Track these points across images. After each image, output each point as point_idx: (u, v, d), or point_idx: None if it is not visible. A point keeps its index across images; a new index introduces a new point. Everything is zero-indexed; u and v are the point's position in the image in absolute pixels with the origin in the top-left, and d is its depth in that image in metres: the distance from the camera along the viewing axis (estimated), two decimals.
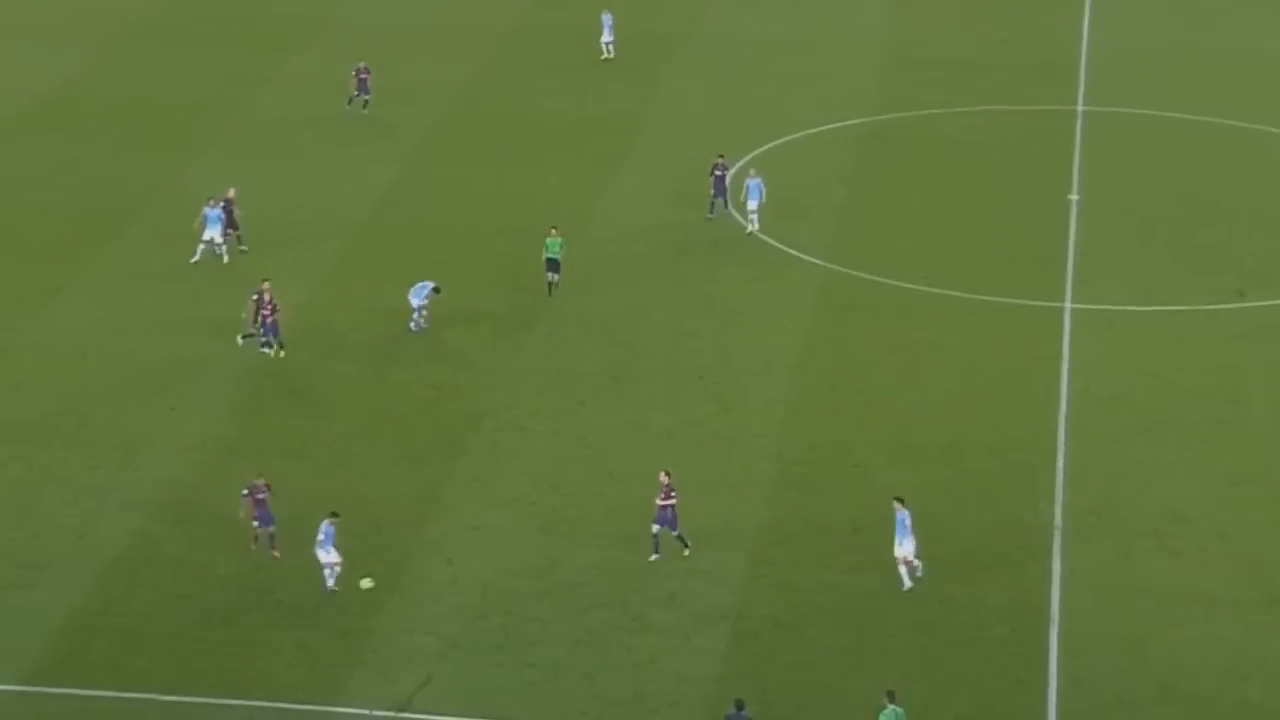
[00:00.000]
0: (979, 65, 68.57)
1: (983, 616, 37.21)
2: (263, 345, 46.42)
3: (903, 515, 37.64)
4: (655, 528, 38.59)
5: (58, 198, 56.57)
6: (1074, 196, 57.61)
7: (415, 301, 48.03)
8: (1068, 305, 50.31)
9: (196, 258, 51.65)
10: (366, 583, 37.08)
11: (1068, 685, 35.20)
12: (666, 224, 55.23)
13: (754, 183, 54.00)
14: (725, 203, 54.87)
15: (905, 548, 37.60)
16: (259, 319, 46.36)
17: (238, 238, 52.58)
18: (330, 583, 37.45)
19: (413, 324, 48.13)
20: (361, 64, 62.97)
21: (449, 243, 53.41)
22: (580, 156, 60.01)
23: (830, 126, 62.71)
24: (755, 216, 53.78)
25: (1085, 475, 42.12)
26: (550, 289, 49.49)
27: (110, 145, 60.51)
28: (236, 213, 52.53)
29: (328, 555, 37.50)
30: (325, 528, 37.64)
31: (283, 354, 46.28)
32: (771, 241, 53.87)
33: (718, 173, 54.79)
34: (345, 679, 35.11)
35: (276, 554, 38.49)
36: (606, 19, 68.84)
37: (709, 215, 54.71)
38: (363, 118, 62.26)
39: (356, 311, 49.55)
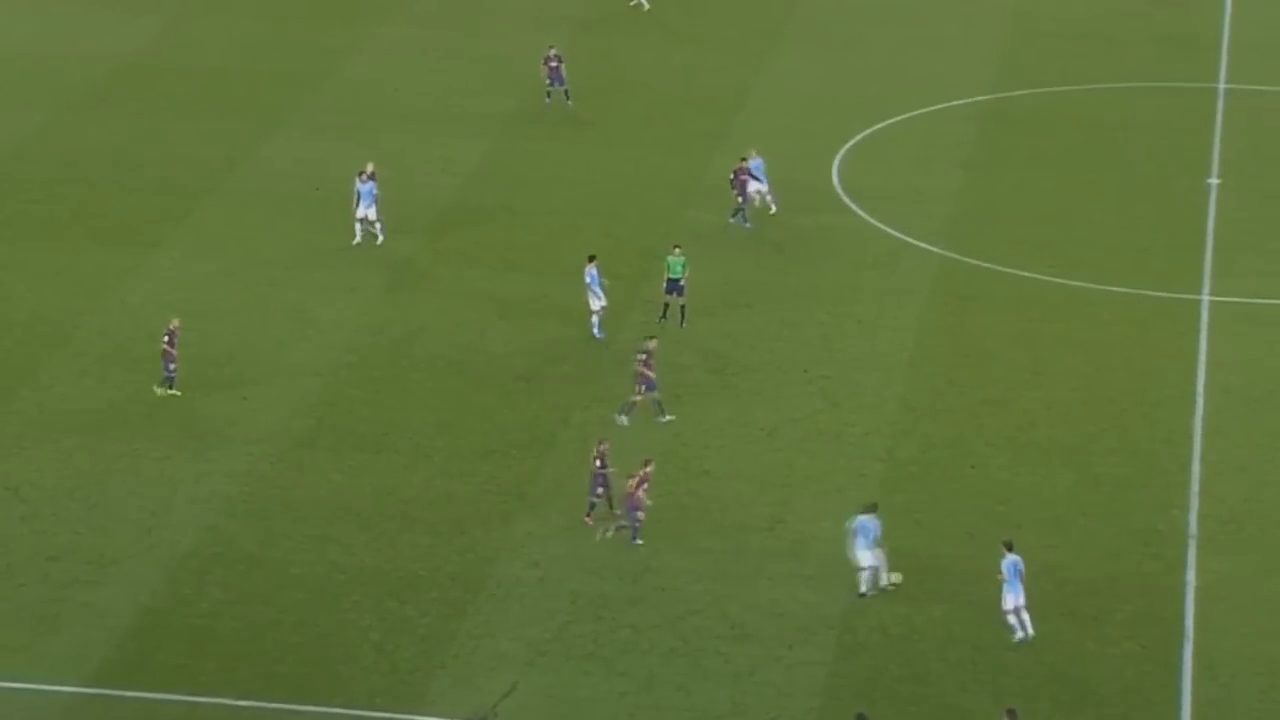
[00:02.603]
0: (1112, 39, 67.90)
1: (1111, 631, 36.84)
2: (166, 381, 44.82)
3: (1013, 561, 36.23)
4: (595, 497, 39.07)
5: (129, 173, 57.34)
6: (1214, 180, 56.89)
7: (596, 303, 46.90)
8: (1205, 298, 49.71)
9: (357, 239, 51.74)
10: (895, 578, 37.00)
11: (1202, 706, 34.78)
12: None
13: (755, 163, 53.15)
14: (744, 208, 52.97)
15: (1016, 597, 35.93)
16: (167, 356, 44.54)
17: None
18: (863, 588, 37.19)
19: (596, 330, 46.98)
20: (551, 50, 60.92)
21: (540, 225, 53.59)
22: (677, 134, 60.03)
23: (949, 104, 62.34)
24: (770, 197, 53.08)
25: (1223, 481, 41.59)
26: (667, 312, 47.20)
27: (185, 118, 61.21)
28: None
29: (865, 558, 37.13)
30: (862, 523, 37.29)
31: (174, 391, 44.72)
32: (885, 227, 53.65)
33: (743, 176, 52.74)
34: (425, 685, 35.33)
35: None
36: None
37: (731, 220, 52.93)
38: (567, 111, 60.72)
39: (441, 297, 49.86)
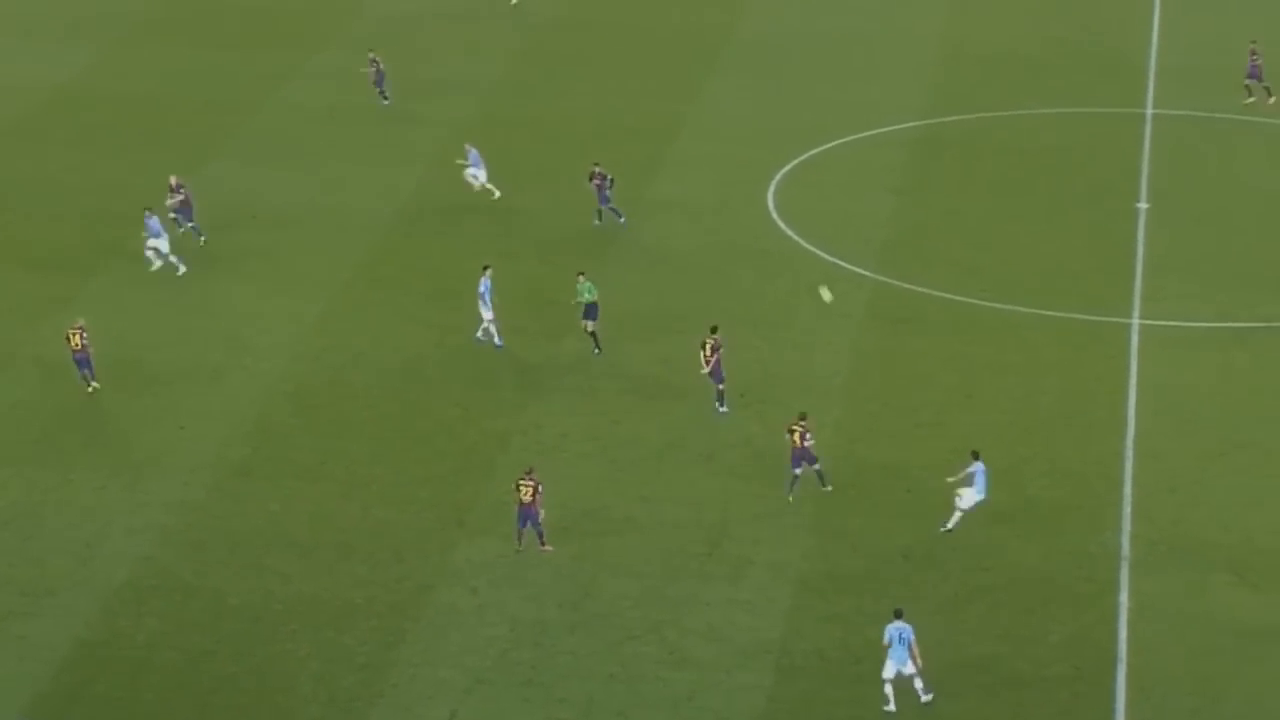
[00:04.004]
0: (1041, 64, 68.50)
1: (1045, 653, 37.04)
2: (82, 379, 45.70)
3: (979, 467, 39.72)
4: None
5: (62, 203, 56.96)
6: (1143, 205, 57.42)
7: (487, 314, 47.64)
8: (1135, 321, 50.13)
9: (154, 266, 51.78)
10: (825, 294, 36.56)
11: None
12: (705, 231, 55.32)
13: (473, 154, 55.83)
14: (601, 212, 54.59)
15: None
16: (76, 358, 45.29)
17: (194, 229, 53.39)
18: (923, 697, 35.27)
19: (481, 333, 47.96)
20: (371, 54, 63.96)
21: (473, 252, 53.54)
22: (612, 162, 60.08)
23: (881, 130, 62.71)
24: (484, 182, 55.92)
25: (1155, 503, 41.92)
26: (592, 339, 47.66)
27: (117, 148, 60.91)
28: (179, 199, 52.99)
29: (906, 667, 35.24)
30: (895, 630, 35.16)
31: (96, 386, 45.64)
32: (819, 252, 53.88)
33: (596, 181, 54.22)
34: (365, 715, 35.17)
35: None
36: None
37: (595, 223, 54.67)
38: (384, 111, 62.36)
39: (377, 323, 49.74)
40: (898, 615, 35.68)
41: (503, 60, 69.00)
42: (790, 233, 55.21)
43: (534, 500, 39.37)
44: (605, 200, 54.89)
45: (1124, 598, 38.70)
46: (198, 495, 42.02)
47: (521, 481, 39.64)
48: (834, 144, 61.40)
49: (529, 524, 39.75)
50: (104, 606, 38.15)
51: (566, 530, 40.75)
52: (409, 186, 58.31)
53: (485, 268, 48.22)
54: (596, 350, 47.85)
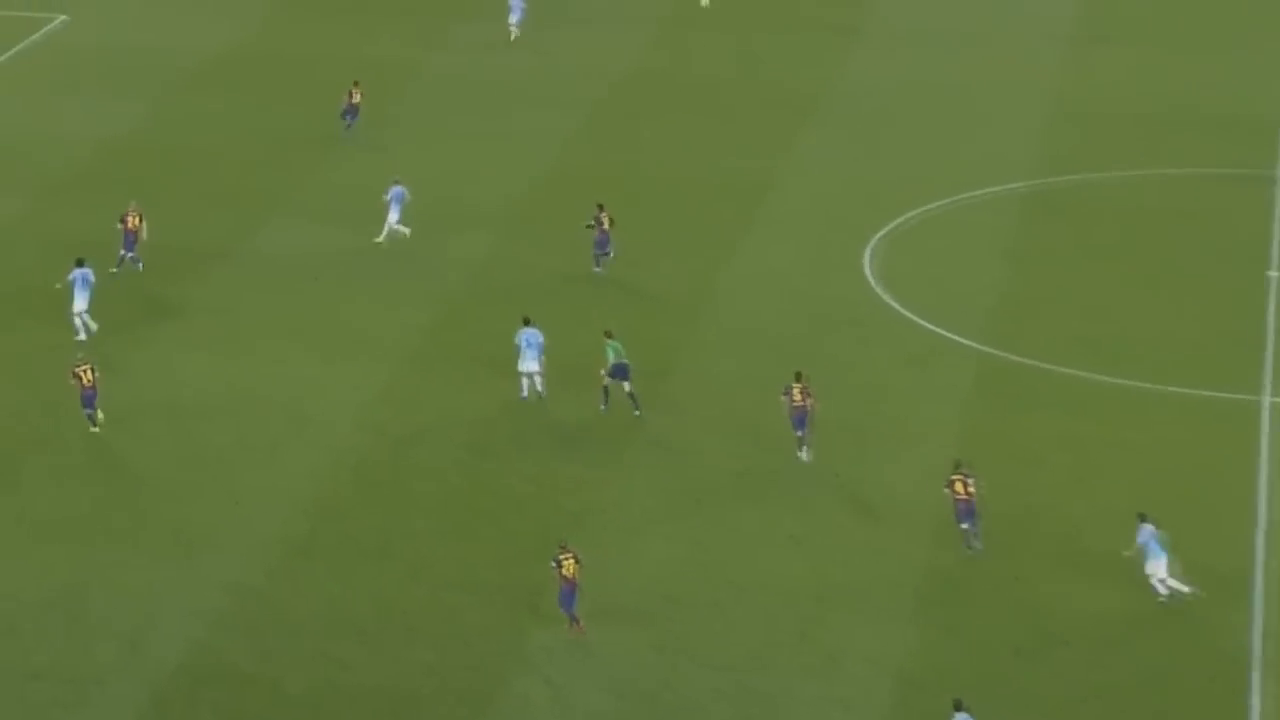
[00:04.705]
0: (1161, 121, 68.57)
1: None
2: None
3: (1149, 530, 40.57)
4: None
5: (111, 263, 57.76)
6: (1274, 273, 57.30)
7: (527, 366, 48.61)
8: (1267, 399, 49.98)
9: (80, 336, 52.40)
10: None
11: None
12: (799, 297, 55.67)
13: (396, 190, 57.68)
14: (600, 258, 56.23)
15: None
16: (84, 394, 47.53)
17: (133, 258, 55.55)
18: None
19: (524, 391, 48.77)
20: (354, 83, 66.18)
21: (550, 317, 53.92)
22: (700, 221, 60.65)
23: (989, 190, 62.94)
24: (393, 228, 57.64)
25: None
26: (630, 400, 48.53)
27: (170, 203, 61.84)
28: (133, 226, 55.51)
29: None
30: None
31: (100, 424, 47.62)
32: (920, 321, 54.09)
33: (596, 225, 55.95)
34: None
35: None
36: (516, 2, 75.64)
37: (596, 269, 56.28)
38: (455, 169, 63.45)
39: (444, 393, 50.29)
40: (958, 707, 35.77)
41: (580, 113, 69.79)
42: (888, 299, 55.45)
43: (576, 575, 39.65)
44: (605, 245, 55.95)
45: (1255, 701, 38.49)
46: (254, 576, 42.55)
47: (563, 557, 39.95)
48: (936, 205, 61.67)
49: (565, 603, 39.95)
50: (155, 696, 38.64)
51: (647, 616, 40.99)
52: (479, 248, 58.97)
53: (526, 321, 49.15)
54: (636, 411, 48.43)
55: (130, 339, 53.08)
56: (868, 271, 57.20)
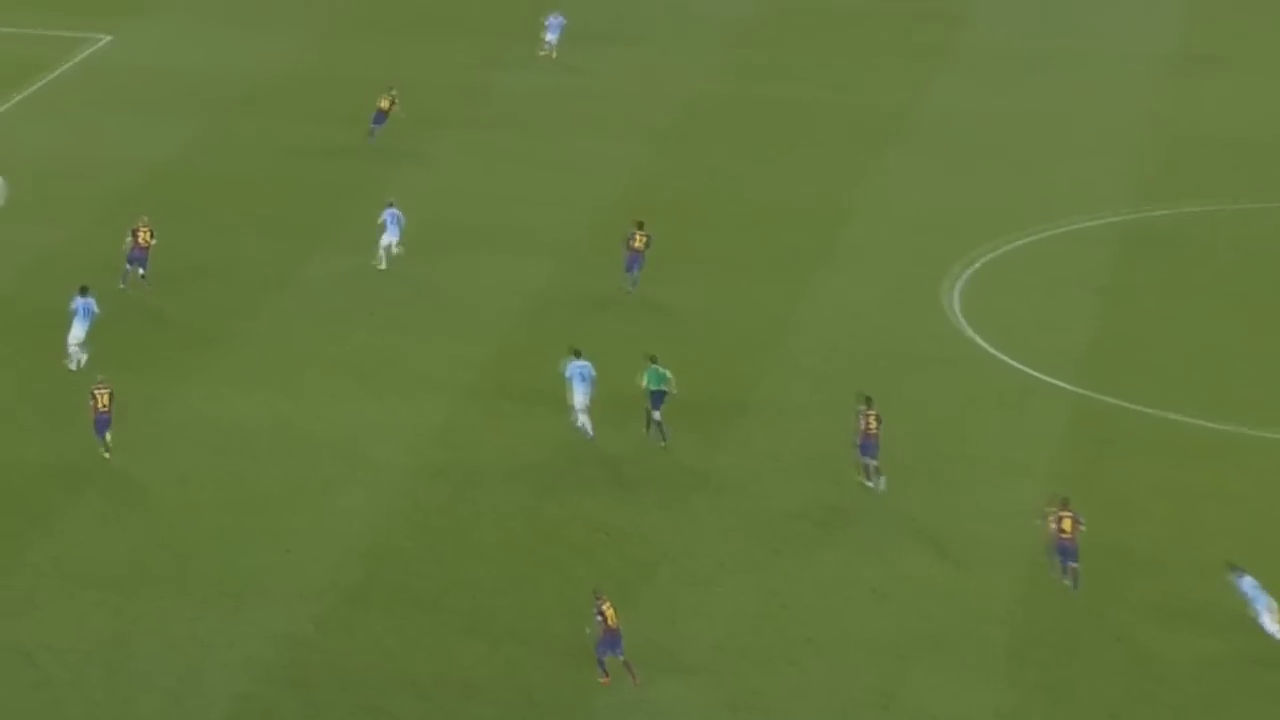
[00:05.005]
0: (1270, 150, 68.10)
1: None
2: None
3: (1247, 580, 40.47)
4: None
5: (157, 294, 58.11)
6: None
7: (577, 400, 48.96)
8: None
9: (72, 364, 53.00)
10: None
11: None
12: (879, 333, 55.50)
13: (392, 213, 58.30)
14: (633, 280, 57.05)
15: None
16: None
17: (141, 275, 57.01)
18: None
19: (581, 429, 49.04)
20: (392, 91, 67.61)
21: (615, 355, 53.85)
22: (774, 252, 60.55)
23: (1083, 223, 62.66)
24: (386, 253, 58.46)
25: None
26: (658, 430, 48.91)
27: (220, 232, 62.23)
28: (144, 242, 56.76)
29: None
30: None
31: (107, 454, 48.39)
32: (1010, 360, 53.81)
33: (635, 245, 56.92)
34: None
35: None
36: (553, 20, 76.39)
37: (631, 290, 57.06)
38: (517, 194, 63.75)
39: (506, 433, 50.28)
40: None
41: (646, 137, 69.86)
42: (975, 337, 55.21)
43: (618, 623, 39.81)
44: (636, 265, 56.68)
45: None
46: (304, 627, 42.56)
47: (601, 605, 40.06)
48: (1028, 238, 61.41)
49: (615, 651, 39.92)
50: None
51: (720, 673, 40.80)
52: (541, 278, 59.04)
53: (576, 353, 49.47)
54: (663, 442, 48.78)
55: (175, 373, 53.29)
56: (953, 307, 56.97)
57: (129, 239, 57.39)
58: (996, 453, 49.37)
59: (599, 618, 40.14)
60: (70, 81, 75.98)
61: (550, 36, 76.63)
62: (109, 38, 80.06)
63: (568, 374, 49.38)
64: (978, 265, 59.45)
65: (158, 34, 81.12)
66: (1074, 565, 43.10)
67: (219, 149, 69.47)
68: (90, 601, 43.50)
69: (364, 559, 45.05)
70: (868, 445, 46.83)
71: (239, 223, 62.96)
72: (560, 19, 77.03)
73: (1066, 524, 43.02)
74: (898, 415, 50.40)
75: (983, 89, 73.96)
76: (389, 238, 58.77)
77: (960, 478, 48.25)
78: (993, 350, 54.48)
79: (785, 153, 68.56)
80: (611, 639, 40.07)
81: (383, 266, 58.85)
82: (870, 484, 46.96)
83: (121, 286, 57.07)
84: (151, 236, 57.39)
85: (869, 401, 47.17)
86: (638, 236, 57.15)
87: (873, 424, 46.80)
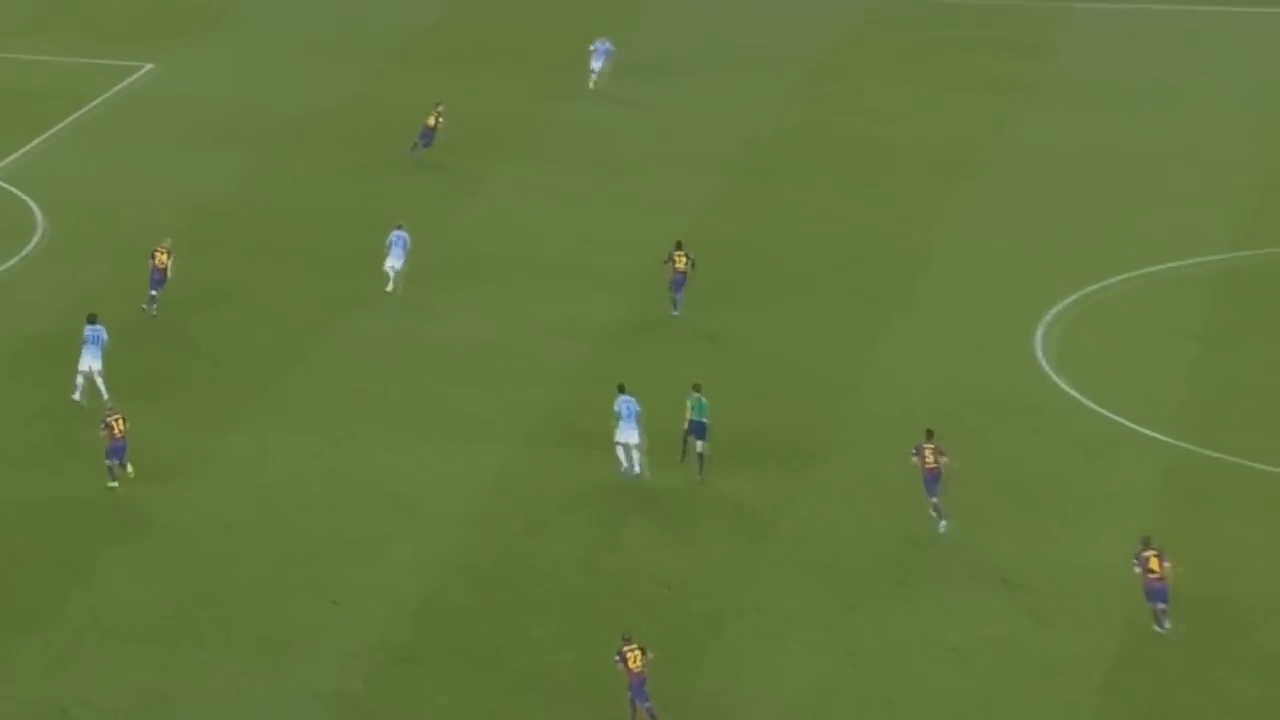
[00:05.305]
0: None
1: None
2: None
3: None
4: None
5: (206, 336, 58.34)
6: None
7: (625, 436, 49.62)
8: None
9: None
10: None
11: None
12: (961, 381, 55.33)
13: (398, 235, 60.41)
14: (676, 302, 58.50)
15: None
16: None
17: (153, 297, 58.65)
18: None
19: (624, 463, 49.53)
20: (441, 107, 69.70)
21: (681, 404, 53.90)
22: (851, 295, 60.48)
23: (1179, 263, 62.39)
24: (392, 276, 60.21)
25: None
26: (698, 461, 49.77)
27: (268, 270, 62.54)
28: (160, 264, 58.29)
29: None
30: None
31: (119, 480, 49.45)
32: (1101, 409, 53.57)
33: (678, 266, 58.28)
34: None
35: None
36: (601, 46, 76.70)
37: (674, 313, 58.50)
38: (580, 231, 64.30)
39: (564, 482, 50.32)
40: None
41: (715, 173, 69.94)
42: (1064, 385, 55.00)
43: (644, 668, 40.06)
44: (680, 287, 57.69)
45: None
46: (352, 684, 42.61)
47: (628, 649, 40.31)
48: (1119, 279, 61.20)
49: (640, 699, 40.05)
50: None
51: None
52: (602, 318, 59.11)
53: (621, 388, 50.19)
54: (700, 476, 49.19)
55: (220, 417, 53.54)
56: (1040, 354, 56.79)
57: (150, 261, 58.81)
58: (1087, 507, 49.10)
59: (619, 661, 40.41)
60: (111, 112, 76.65)
61: (596, 64, 77.01)
62: (150, 66, 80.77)
63: (618, 409, 50.03)
64: (1065, 310, 59.24)
65: (202, 63, 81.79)
66: (1163, 607, 42.89)
67: (266, 184, 69.91)
68: (130, 656, 43.69)
69: (416, 614, 45.10)
70: (930, 481, 47.28)
71: (286, 261, 63.28)
72: (608, 45, 77.38)
73: (1154, 562, 43.08)
74: (981, 466, 50.28)
75: (1068, 124, 73.77)
76: (393, 261, 60.14)
77: (1048, 533, 48.00)
78: (1082, 399, 54.25)
79: (860, 190, 68.54)
80: (634, 685, 40.22)
81: (389, 289, 60.12)
82: (942, 523, 47.45)
83: (149, 310, 58.52)
84: (168, 257, 58.59)
85: (929, 434, 47.60)
86: (678, 257, 58.17)
87: (931, 458, 47.27)
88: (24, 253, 63.87)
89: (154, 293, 58.73)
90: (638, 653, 40.53)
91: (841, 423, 52.59)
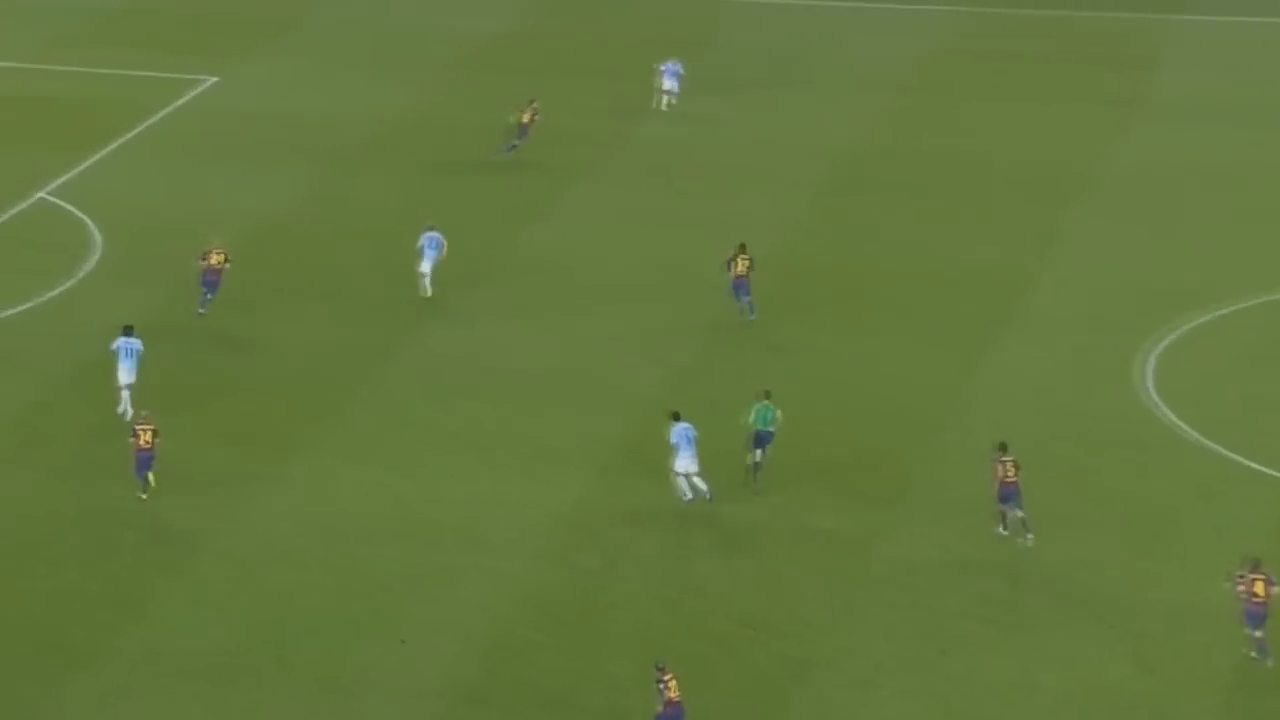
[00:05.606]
0: None
1: None
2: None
3: None
4: None
5: (265, 364, 58.62)
6: None
7: (684, 465, 50.02)
8: None
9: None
10: None
11: None
12: (1062, 413, 55.10)
13: (430, 237, 61.24)
14: (749, 306, 59.54)
15: None
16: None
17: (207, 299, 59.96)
18: None
19: (687, 494, 50.17)
20: (535, 104, 71.37)
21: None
22: (945, 322, 60.35)
23: None
24: (427, 279, 61.32)
25: None
26: (754, 471, 50.55)
27: (329, 294, 62.81)
28: (217, 264, 59.78)
29: None
30: None
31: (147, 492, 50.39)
32: (1213, 445, 53.25)
33: (739, 270, 59.35)
34: None
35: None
36: (670, 68, 77.18)
37: (751, 318, 59.59)
38: (660, 256, 64.47)
39: (642, 514, 50.32)
40: None
41: (803, 194, 69.96)
42: (1173, 418, 54.73)
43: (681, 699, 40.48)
44: (745, 290, 59.09)
45: None
46: None
47: (662, 679, 40.74)
48: (1235, 307, 60.90)
49: None
50: None
51: None
52: (681, 344, 59.12)
53: (675, 416, 50.59)
54: (755, 485, 50.30)
55: (281, 445, 53.83)
56: (1147, 385, 56.54)
57: (200, 262, 59.76)
58: (1196, 548, 48.78)
59: (660, 687, 40.81)
60: (173, 126, 77.35)
61: (669, 84, 77.08)
62: (215, 79, 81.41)
63: (672, 440, 50.07)
64: (1174, 338, 58.96)
65: (266, 76, 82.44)
66: (1259, 634, 42.67)
67: (331, 200, 70.34)
68: (187, 694, 43.89)
69: (486, 652, 45.16)
70: (1008, 494, 47.99)
71: (351, 280, 63.56)
72: (678, 66, 77.45)
73: (1259, 587, 42.92)
74: (1084, 503, 50.12)
75: (1176, 141, 73.55)
76: (427, 264, 60.98)
77: (1155, 574, 47.72)
78: (1192, 432, 53.96)
79: (957, 211, 68.44)
80: (671, 715, 40.27)
81: (428, 294, 60.95)
82: (1005, 532, 48.13)
83: (200, 312, 59.72)
84: (226, 260, 59.71)
85: (1004, 448, 48.33)
86: (740, 261, 58.96)
87: (1010, 471, 47.95)
88: (82, 274, 64.40)
89: (209, 295, 59.74)
90: (675, 682, 40.95)
91: (932, 454, 52.42)
